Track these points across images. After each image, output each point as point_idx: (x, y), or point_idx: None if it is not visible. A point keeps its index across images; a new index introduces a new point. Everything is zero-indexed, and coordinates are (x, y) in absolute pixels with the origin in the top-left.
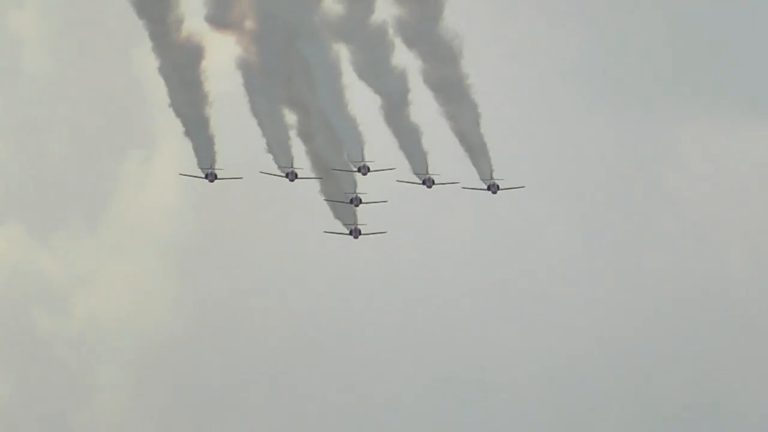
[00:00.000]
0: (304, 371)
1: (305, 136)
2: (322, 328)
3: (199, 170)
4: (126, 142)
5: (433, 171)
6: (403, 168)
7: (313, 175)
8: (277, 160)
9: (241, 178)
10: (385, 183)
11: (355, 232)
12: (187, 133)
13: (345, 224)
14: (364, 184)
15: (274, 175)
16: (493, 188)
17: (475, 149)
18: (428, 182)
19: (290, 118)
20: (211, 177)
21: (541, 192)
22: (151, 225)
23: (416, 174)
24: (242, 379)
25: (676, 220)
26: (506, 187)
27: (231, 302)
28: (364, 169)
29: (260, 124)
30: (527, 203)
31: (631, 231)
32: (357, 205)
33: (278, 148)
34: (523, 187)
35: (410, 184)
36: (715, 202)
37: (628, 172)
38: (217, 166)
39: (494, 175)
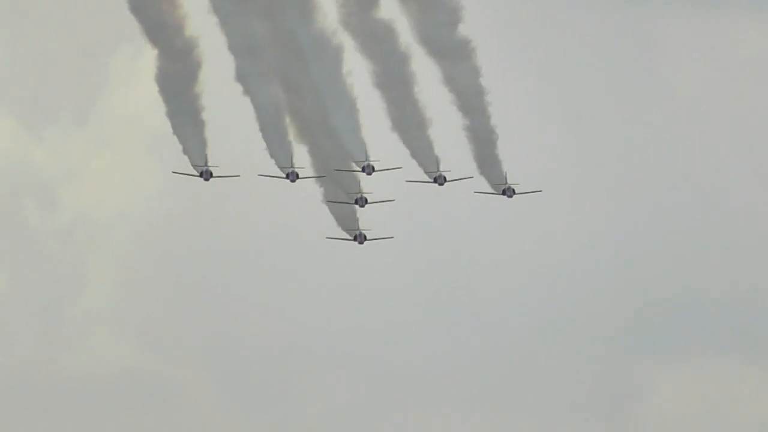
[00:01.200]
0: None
1: (306, 134)
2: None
3: (192, 167)
4: (117, 37)
5: (444, 168)
6: (410, 167)
7: (314, 175)
8: (276, 159)
9: (238, 176)
10: (391, 183)
11: (360, 238)
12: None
13: (349, 230)
14: (368, 186)
15: (274, 177)
16: (508, 192)
17: (487, 154)
18: (440, 180)
19: (289, 111)
20: (206, 175)
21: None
22: (141, 119)
23: (426, 172)
24: (233, 269)
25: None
26: (523, 191)
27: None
28: (369, 169)
29: (258, 119)
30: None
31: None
32: (362, 206)
33: (278, 146)
34: (540, 191)
35: (421, 183)
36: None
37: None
38: (210, 162)
39: (508, 179)
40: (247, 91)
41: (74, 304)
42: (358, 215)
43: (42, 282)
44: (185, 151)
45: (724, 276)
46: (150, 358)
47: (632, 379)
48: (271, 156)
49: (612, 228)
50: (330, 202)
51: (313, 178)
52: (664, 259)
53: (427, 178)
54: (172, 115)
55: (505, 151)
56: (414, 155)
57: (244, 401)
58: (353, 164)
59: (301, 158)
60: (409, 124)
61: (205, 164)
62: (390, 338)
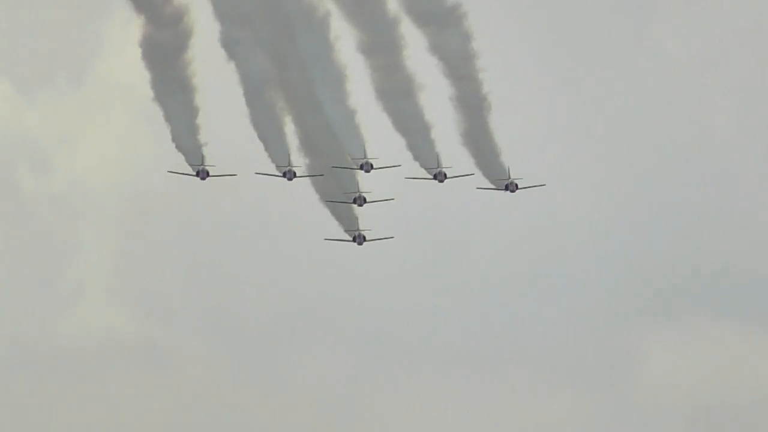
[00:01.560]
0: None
1: (302, 132)
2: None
3: (189, 166)
4: (111, 1)
5: (444, 165)
6: (407, 160)
7: (312, 174)
8: (273, 157)
9: (234, 175)
10: (390, 181)
11: (359, 239)
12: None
13: (348, 230)
14: (367, 184)
15: (271, 175)
16: (511, 187)
17: (485, 148)
18: (440, 176)
19: (287, 111)
20: (203, 174)
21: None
22: (135, 84)
23: (426, 169)
24: (228, 233)
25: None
26: (526, 185)
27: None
28: (367, 166)
29: (254, 120)
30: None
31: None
32: (361, 205)
33: (274, 144)
34: (544, 185)
35: (420, 180)
36: None
37: None
38: (207, 162)
39: (510, 174)
40: (232, 58)
41: (68, 270)
42: (357, 214)
43: (36, 248)
44: (167, 119)
45: (723, 241)
46: (145, 325)
47: (630, 345)
48: (265, 148)
49: (610, 195)
50: (329, 201)
51: (310, 177)
52: (661, 224)
53: (427, 175)
54: (157, 84)
55: (497, 122)
56: (410, 146)
57: (240, 367)
58: (351, 161)
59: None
60: (397, 91)
61: (201, 163)
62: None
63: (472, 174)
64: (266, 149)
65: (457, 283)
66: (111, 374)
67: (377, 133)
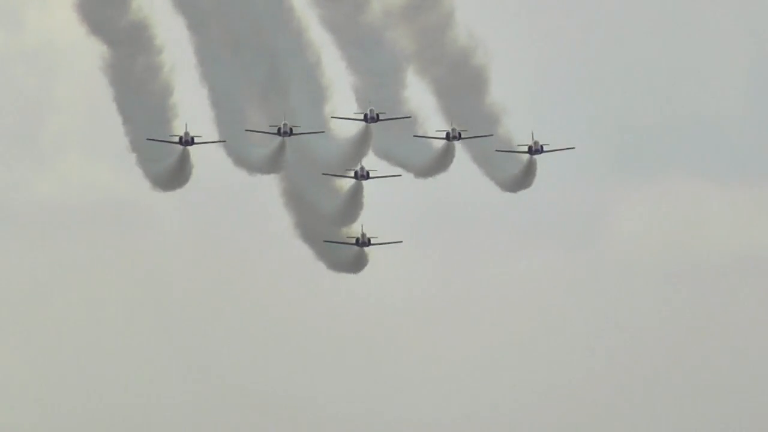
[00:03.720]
0: None
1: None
2: None
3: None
4: None
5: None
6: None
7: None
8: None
9: (224, 141)
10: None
11: (363, 239)
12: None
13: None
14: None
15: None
16: (535, 148)
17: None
18: (454, 134)
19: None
20: (187, 138)
21: None
22: None
23: (438, 131)
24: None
25: None
26: (553, 148)
27: None
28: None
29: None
30: None
31: None
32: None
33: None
34: (573, 148)
35: (432, 138)
36: None
37: None
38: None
39: (535, 136)
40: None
41: (40, 129)
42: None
43: (8, 106)
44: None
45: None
46: (122, 184)
47: (604, 201)
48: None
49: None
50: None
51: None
52: (634, 82)
53: (439, 135)
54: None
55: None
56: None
57: (217, 230)
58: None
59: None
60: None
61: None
62: None
63: (491, 135)
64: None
65: None
66: (87, 233)
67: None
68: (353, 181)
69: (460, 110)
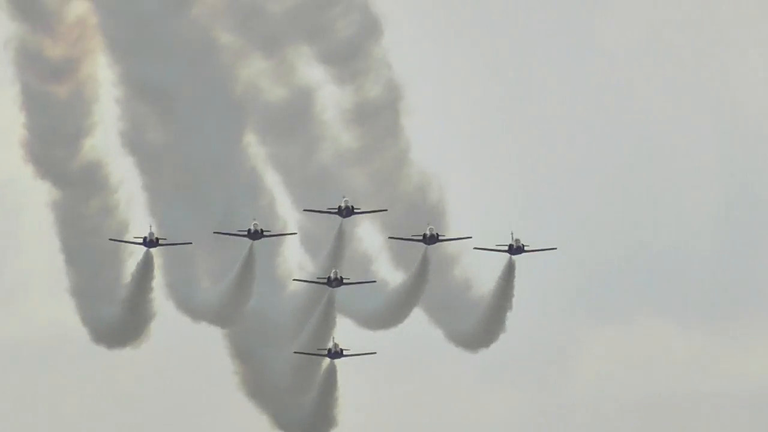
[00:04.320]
0: None
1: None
2: None
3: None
4: None
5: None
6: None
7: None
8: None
9: (190, 243)
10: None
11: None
12: None
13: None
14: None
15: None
16: (514, 249)
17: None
18: (430, 238)
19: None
20: (150, 242)
21: None
22: None
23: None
24: None
25: None
26: (533, 249)
27: None
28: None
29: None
30: None
31: None
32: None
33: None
34: (555, 249)
35: (406, 240)
36: None
37: None
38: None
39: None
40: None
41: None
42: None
43: None
44: None
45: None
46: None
47: (567, 341)
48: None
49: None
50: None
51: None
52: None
53: (416, 236)
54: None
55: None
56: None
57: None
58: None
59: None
60: None
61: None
62: None
63: (470, 237)
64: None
65: None
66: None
67: None
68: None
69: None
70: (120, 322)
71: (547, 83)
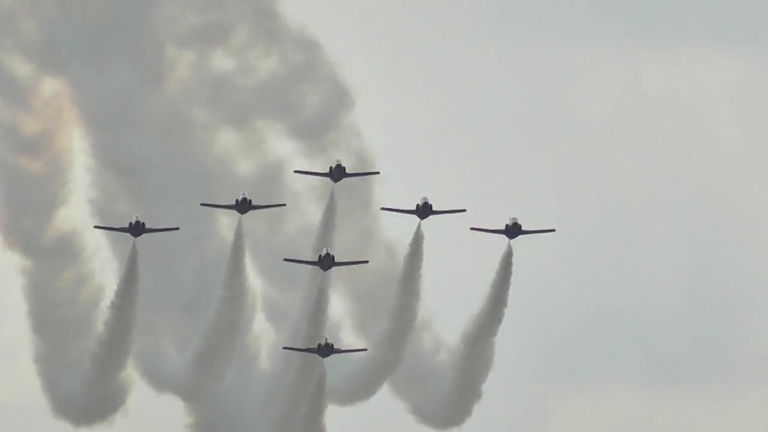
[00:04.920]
0: None
1: None
2: None
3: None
4: None
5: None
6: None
7: None
8: None
9: (177, 228)
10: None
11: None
12: None
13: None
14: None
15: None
16: (511, 230)
17: None
18: (423, 210)
19: None
20: (136, 229)
21: None
22: None
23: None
24: None
25: None
26: (532, 229)
27: None
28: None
29: None
30: None
31: None
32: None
33: None
34: (553, 230)
35: (400, 212)
36: None
37: None
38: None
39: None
40: None
41: None
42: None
43: None
44: None
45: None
46: None
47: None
48: None
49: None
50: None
51: None
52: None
53: (409, 208)
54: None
55: None
56: None
57: None
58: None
59: None
60: None
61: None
62: None
63: (464, 210)
64: None
65: None
66: None
67: None
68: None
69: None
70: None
71: (518, 152)
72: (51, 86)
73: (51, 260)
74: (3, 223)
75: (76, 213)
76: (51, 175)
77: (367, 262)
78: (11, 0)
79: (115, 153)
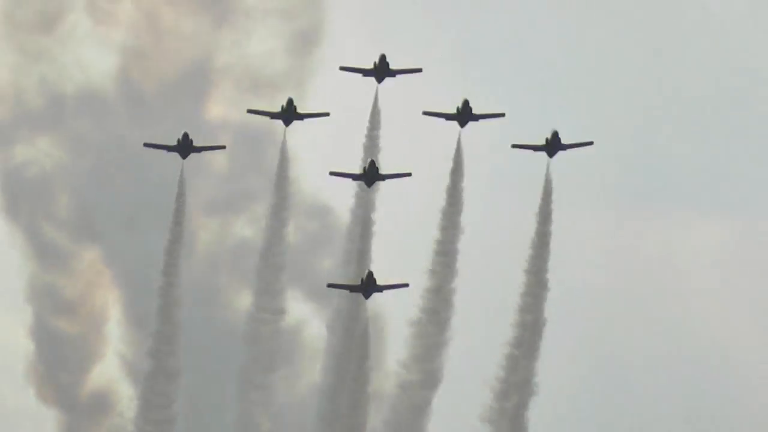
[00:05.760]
0: None
1: None
2: None
3: None
4: None
5: None
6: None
7: None
8: None
9: (223, 147)
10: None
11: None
12: None
13: None
14: None
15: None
16: (552, 147)
17: None
18: (464, 115)
19: None
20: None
21: None
22: None
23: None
24: None
25: None
26: (571, 143)
27: None
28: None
29: None
30: None
31: None
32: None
33: None
34: (591, 143)
35: (438, 116)
36: None
37: None
38: None
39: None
40: None
41: None
42: None
43: None
44: None
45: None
46: None
47: None
48: None
49: None
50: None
51: None
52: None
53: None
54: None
55: None
56: None
57: None
58: None
59: None
60: None
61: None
62: None
63: (503, 115)
64: None
65: None
66: None
67: None
68: None
69: None
70: None
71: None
72: (89, 254)
73: (86, 415)
74: (39, 378)
75: (110, 370)
76: (87, 334)
77: (410, 174)
78: (50, 173)
79: (146, 312)
